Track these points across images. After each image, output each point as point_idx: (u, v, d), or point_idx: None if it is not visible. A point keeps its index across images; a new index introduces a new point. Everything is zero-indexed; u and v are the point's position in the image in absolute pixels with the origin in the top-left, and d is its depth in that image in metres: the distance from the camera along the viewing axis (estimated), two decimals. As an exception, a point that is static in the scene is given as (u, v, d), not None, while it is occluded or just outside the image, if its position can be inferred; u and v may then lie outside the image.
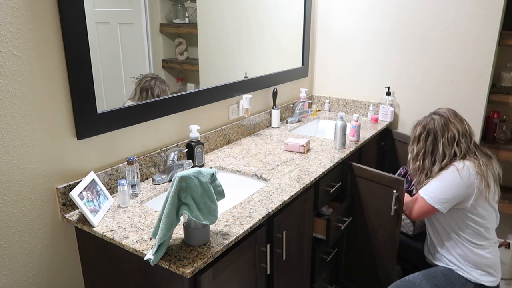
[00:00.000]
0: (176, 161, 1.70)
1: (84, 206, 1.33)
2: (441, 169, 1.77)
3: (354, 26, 2.70)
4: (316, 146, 2.14)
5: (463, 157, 1.75)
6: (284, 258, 1.58)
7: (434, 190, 1.75)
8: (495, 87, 2.53)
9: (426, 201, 1.75)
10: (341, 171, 2.04)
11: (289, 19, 2.60)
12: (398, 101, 2.65)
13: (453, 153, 1.76)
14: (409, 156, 1.90)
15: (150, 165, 1.70)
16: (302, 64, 2.78)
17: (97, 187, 1.44)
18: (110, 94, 1.58)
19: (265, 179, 1.73)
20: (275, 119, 2.48)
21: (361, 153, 2.35)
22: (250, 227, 1.34)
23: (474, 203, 1.70)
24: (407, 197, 1.90)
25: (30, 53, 1.25)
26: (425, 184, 1.81)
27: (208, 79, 2.03)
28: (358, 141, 2.20)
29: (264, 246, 1.47)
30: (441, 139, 1.77)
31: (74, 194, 1.32)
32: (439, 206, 1.72)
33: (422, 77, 2.54)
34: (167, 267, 1.14)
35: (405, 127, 2.65)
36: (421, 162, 1.83)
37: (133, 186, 1.53)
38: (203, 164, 1.85)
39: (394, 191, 1.83)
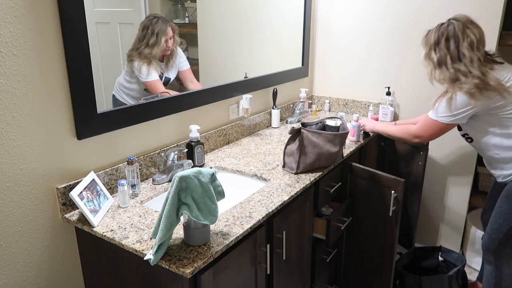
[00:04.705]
0: (176, 161, 1.70)
1: (84, 206, 1.33)
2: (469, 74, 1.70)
3: (354, 26, 2.70)
4: (316, 146, 2.14)
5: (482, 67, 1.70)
6: (284, 258, 1.58)
7: (444, 111, 1.76)
8: (495, 87, 2.53)
9: (439, 121, 1.77)
10: (341, 171, 2.04)
11: (289, 19, 2.60)
12: (398, 101, 2.65)
13: (477, 59, 1.69)
14: (429, 67, 1.81)
15: (150, 165, 1.70)
16: (302, 64, 2.78)
17: (97, 187, 1.44)
18: (110, 94, 1.59)
19: (265, 179, 1.73)
20: (275, 119, 2.48)
21: (361, 153, 2.35)
22: (250, 227, 1.34)
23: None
24: (388, 126, 1.97)
25: (30, 53, 1.25)
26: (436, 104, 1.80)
27: (208, 79, 2.03)
28: (358, 141, 2.20)
29: (264, 246, 1.47)
30: (463, 43, 1.71)
31: (74, 194, 1.32)
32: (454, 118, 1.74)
33: (422, 77, 2.52)
34: (167, 267, 1.15)
35: (405, 127, 2.65)
36: (449, 68, 1.74)
37: (133, 186, 1.53)
38: (203, 164, 1.85)
39: (393, 191, 1.83)
